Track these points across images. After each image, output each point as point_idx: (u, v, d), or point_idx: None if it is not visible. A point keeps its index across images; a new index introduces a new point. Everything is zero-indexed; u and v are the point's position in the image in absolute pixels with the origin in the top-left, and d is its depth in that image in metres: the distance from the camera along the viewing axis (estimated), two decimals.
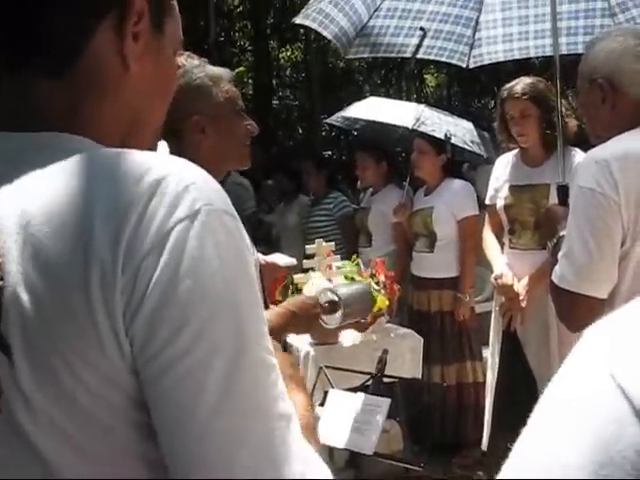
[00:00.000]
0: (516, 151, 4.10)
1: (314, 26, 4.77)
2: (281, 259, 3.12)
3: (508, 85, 4.03)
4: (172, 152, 2.40)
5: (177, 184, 0.86)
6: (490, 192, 4.22)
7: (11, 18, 0.94)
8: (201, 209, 0.86)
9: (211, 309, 0.84)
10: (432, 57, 5.21)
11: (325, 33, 4.79)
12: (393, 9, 4.87)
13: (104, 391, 0.85)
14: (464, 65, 5.06)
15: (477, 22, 4.87)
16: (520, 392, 3.75)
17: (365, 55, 5.24)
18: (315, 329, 2.44)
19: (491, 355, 4.17)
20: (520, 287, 3.88)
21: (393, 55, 5.35)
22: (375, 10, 4.84)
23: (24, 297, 0.84)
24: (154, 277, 0.83)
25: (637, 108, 2.24)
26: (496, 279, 3.98)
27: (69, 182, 0.87)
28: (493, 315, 4.16)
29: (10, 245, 0.85)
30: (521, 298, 3.86)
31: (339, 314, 2.38)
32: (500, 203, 4.08)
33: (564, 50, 4.52)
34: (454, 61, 5.10)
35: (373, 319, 3.59)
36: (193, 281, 0.83)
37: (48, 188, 0.87)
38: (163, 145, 2.43)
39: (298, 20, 4.86)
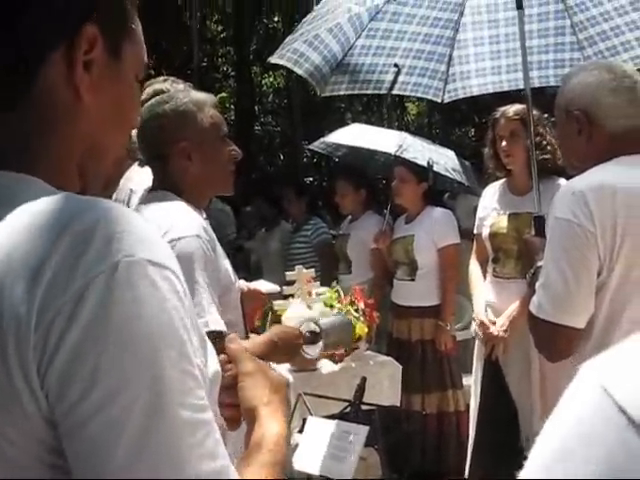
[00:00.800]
0: (503, 180, 4.15)
1: (289, 65, 4.84)
2: (264, 286, 3.13)
3: (502, 108, 4.09)
4: (157, 178, 2.41)
5: (99, 235, 0.83)
6: (477, 221, 4.26)
7: None
8: (120, 261, 0.82)
9: (125, 369, 0.81)
10: (407, 93, 5.31)
11: (300, 71, 4.86)
12: (367, 47, 4.95)
13: (22, 441, 0.83)
14: (439, 100, 5.15)
15: (450, 58, 4.96)
16: (501, 421, 3.76)
17: (341, 92, 5.31)
18: (295, 359, 2.45)
19: (474, 383, 4.19)
20: (504, 317, 3.91)
21: (369, 92, 5.43)
22: (349, 48, 4.91)
23: None
24: (66, 334, 0.79)
25: (612, 140, 2.27)
26: (478, 326, 4.03)
27: None
28: (477, 343, 4.17)
29: None
30: (504, 328, 3.89)
31: (320, 345, 2.40)
32: (485, 232, 4.12)
33: (536, 83, 4.63)
34: (429, 96, 5.18)
35: (349, 351, 3.59)
36: (107, 340, 0.80)
37: None
38: (147, 171, 2.44)
39: (273, 60, 4.92)
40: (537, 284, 2.27)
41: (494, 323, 3.98)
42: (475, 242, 4.34)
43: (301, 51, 4.69)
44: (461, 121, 18.30)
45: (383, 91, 5.22)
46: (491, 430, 3.89)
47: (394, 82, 5.00)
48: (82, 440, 0.81)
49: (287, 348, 2.33)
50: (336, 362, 3.51)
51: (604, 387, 0.65)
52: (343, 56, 4.92)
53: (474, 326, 4.09)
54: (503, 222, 4.04)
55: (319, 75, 4.93)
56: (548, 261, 2.25)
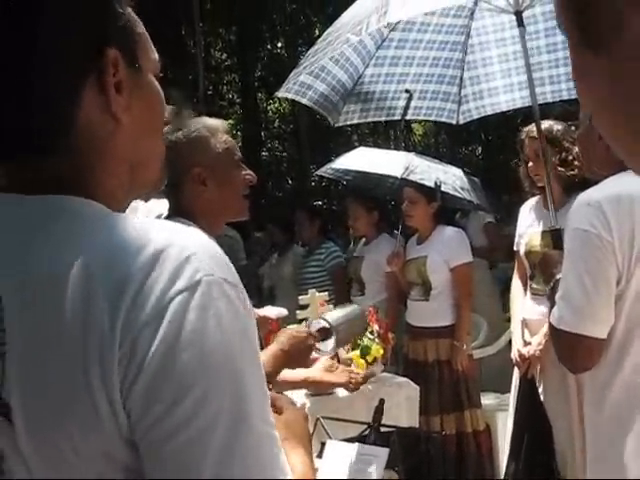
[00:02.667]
0: (538, 197, 4.14)
1: (296, 98, 4.89)
2: (272, 311, 3.11)
3: (526, 128, 4.10)
4: (172, 206, 2.40)
5: (178, 255, 0.85)
6: (516, 238, 4.27)
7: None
8: (202, 280, 0.85)
9: (210, 383, 0.83)
10: (421, 117, 5.35)
11: (305, 101, 4.90)
12: (377, 75, 4.99)
13: (98, 461, 0.85)
14: (454, 122, 5.17)
15: (461, 79, 4.99)
16: (535, 439, 3.73)
17: (354, 121, 5.34)
18: (308, 360, 2.43)
19: (513, 398, 4.17)
20: (540, 335, 3.90)
21: (382, 119, 5.45)
22: (359, 77, 4.95)
23: (25, 363, 0.84)
24: (151, 349, 0.81)
25: None
26: (516, 360, 4.03)
27: (73, 251, 0.86)
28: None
29: (12, 311, 0.85)
30: (540, 347, 3.87)
31: (332, 340, 2.37)
32: (522, 249, 4.13)
33: (549, 98, 4.67)
34: (443, 119, 5.22)
35: (365, 378, 3.55)
36: (192, 354, 0.82)
37: (53, 256, 0.86)
38: (164, 203, 2.43)
39: (280, 94, 4.98)
40: (557, 296, 2.25)
41: (529, 343, 3.97)
42: (516, 259, 4.34)
43: (307, 83, 4.73)
44: (468, 140, 18.33)
45: (397, 117, 5.25)
46: (525, 449, 3.86)
47: (407, 107, 5.02)
48: (168, 454, 0.82)
49: (299, 353, 2.31)
50: (352, 391, 3.48)
51: None
52: (353, 85, 4.95)
53: (513, 351, 4.09)
54: (537, 239, 4.04)
55: (329, 104, 4.96)
56: (567, 272, 2.23)
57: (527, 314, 4.09)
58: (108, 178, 0.99)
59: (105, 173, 0.99)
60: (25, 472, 0.85)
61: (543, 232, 4.01)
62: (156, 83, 1.08)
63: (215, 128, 2.38)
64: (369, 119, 5.42)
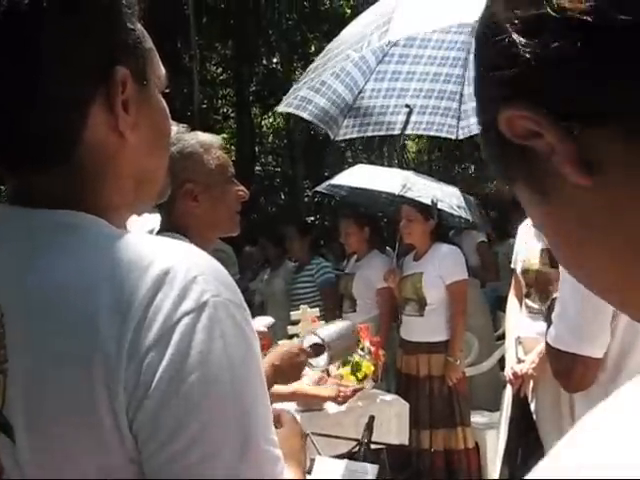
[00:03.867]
0: None
1: (297, 112, 4.92)
2: (260, 322, 3.11)
3: None
4: (164, 220, 2.40)
5: (184, 275, 0.85)
6: (514, 256, 4.27)
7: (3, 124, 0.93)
8: (208, 301, 0.85)
9: (216, 405, 0.83)
10: (421, 132, 5.38)
11: (304, 115, 4.92)
12: (377, 89, 5.02)
13: (82, 465, 0.84)
14: (454, 137, 5.19)
15: (461, 95, 5.00)
16: (525, 457, 3.73)
17: (354, 135, 5.36)
18: (300, 376, 2.42)
19: (504, 419, 4.16)
20: (534, 353, 3.89)
21: (382, 133, 5.47)
22: (359, 92, 4.97)
23: (26, 383, 0.83)
24: (158, 372, 0.81)
25: None
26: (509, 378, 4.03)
27: (77, 268, 0.86)
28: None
29: (15, 329, 0.85)
30: (534, 365, 3.87)
31: (325, 355, 2.37)
32: (519, 267, 4.13)
33: None
34: (443, 134, 5.24)
35: (354, 392, 3.55)
36: (198, 376, 0.82)
37: (56, 272, 0.86)
38: (156, 218, 2.43)
39: (280, 109, 5.00)
40: (553, 314, 2.25)
41: (523, 361, 3.96)
42: (513, 277, 4.35)
43: (307, 97, 4.75)
44: (461, 157, 18.35)
45: (396, 132, 5.27)
46: (516, 467, 3.85)
47: (407, 122, 5.04)
48: (174, 476, 0.82)
49: (291, 368, 2.31)
50: (340, 404, 3.47)
51: None
52: (353, 100, 4.98)
53: (506, 369, 4.08)
54: (534, 257, 4.04)
55: (327, 117, 4.98)
56: (564, 291, 2.22)
57: (522, 332, 4.09)
58: (113, 194, 0.99)
59: (110, 190, 0.98)
60: None
61: (541, 250, 4.01)
62: (162, 99, 1.08)
63: (209, 144, 2.38)
64: (368, 133, 5.45)
